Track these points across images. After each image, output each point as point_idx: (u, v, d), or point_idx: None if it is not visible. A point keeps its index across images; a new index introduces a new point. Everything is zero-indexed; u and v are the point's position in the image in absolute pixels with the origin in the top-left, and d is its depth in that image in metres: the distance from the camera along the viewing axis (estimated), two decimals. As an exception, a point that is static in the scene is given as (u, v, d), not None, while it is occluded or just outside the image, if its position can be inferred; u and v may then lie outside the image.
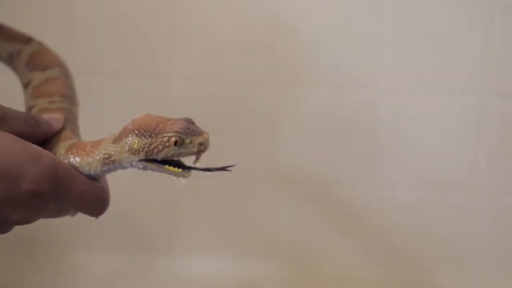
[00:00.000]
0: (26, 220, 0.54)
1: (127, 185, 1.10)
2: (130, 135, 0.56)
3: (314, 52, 1.11)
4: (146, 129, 0.56)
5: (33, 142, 0.57)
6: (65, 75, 0.71)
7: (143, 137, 0.56)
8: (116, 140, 0.57)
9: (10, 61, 0.74)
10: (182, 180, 0.58)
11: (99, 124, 1.08)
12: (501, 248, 1.13)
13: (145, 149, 0.56)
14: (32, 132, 0.58)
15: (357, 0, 1.09)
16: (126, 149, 0.56)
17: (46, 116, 0.62)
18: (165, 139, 0.55)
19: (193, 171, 0.58)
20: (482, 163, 1.11)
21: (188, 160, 0.58)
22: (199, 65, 1.12)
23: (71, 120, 0.65)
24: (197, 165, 0.58)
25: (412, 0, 1.08)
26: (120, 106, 1.13)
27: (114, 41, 1.12)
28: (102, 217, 0.60)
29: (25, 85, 0.71)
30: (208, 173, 0.58)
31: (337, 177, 1.14)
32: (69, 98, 0.69)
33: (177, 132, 0.55)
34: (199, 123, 1.08)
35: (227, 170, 0.58)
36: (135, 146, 0.56)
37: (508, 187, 1.12)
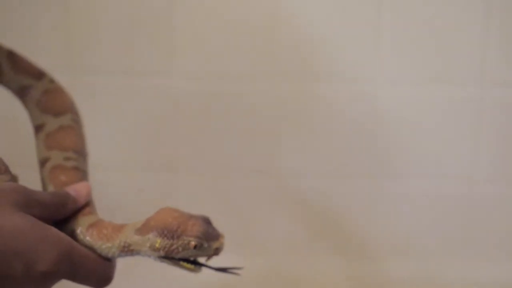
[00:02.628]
0: None
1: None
2: (152, 233, 0.60)
3: (315, 46, 1.11)
4: (169, 230, 0.59)
5: (56, 218, 0.61)
6: (77, 123, 0.73)
7: (165, 238, 0.59)
8: (139, 231, 0.61)
9: (20, 95, 0.75)
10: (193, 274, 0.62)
11: (99, 122, 1.11)
12: (503, 238, 1.16)
13: (166, 249, 0.59)
14: (56, 214, 0.61)
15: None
16: (148, 245, 0.60)
17: (74, 190, 0.64)
18: (185, 242, 0.59)
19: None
20: (482, 155, 1.12)
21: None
22: (200, 61, 1.12)
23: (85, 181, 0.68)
24: (208, 262, 0.62)
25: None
26: (120, 104, 1.13)
27: (113, 38, 1.11)
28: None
29: (36, 128, 0.73)
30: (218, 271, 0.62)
31: (337, 171, 1.15)
32: (82, 153, 0.71)
33: (197, 237, 0.59)
34: (202, 121, 1.08)
35: (235, 273, 0.62)
36: (157, 245, 0.60)
37: (508, 178, 1.13)
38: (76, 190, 0.64)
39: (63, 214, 0.62)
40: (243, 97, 1.13)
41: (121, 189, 1.15)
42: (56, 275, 0.57)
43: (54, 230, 0.58)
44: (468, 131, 1.12)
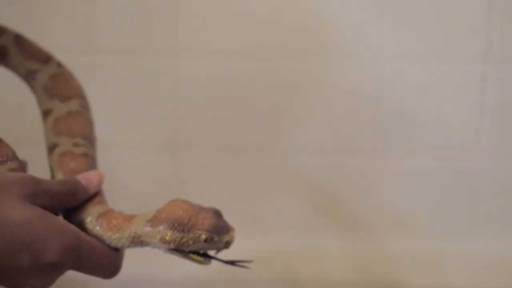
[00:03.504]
0: (42, 286, 0.58)
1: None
2: (163, 225, 0.59)
3: (321, 25, 1.11)
4: (180, 223, 0.59)
5: (66, 207, 0.61)
6: (85, 109, 0.72)
7: (176, 231, 0.59)
8: (149, 223, 0.60)
9: (28, 80, 0.74)
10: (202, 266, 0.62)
11: (106, 103, 1.10)
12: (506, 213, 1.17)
13: (176, 242, 0.59)
14: (65, 203, 0.61)
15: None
16: (158, 237, 0.59)
17: (85, 179, 0.63)
18: (196, 235, 0.59)
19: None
20: (486, 130, 1.13)
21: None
22: (207, 40, 1.12)
23: (94, 168, 0.68)
24: (218, 255, 0.62)
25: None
26: (126, 84, 1.13)
27: (118, 16, 1.10)
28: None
29: (44, 113, 0.72)
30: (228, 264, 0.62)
31: (340, 148, 1.16)
32: (90, 139, 0.70)
33: (207, 230, 0.59)
34: (209, 101, 1.08)
35: (244, 266, 0.61)
36: (167, 238, 0.59)
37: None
38: (87, 178, 0.63)
39: (73, 204, 0.62)
40: (249, 76, 1.13)
41: (124, 168, 1.16)
42: (63, 266, 0.57)
43: (62, 221, 0.58)
44: (472, 108, 1.13)
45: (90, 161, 0.68)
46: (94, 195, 0.64)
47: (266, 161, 1.17)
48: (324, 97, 1.14)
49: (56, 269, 0.56)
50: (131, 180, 1.16)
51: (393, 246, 1.17)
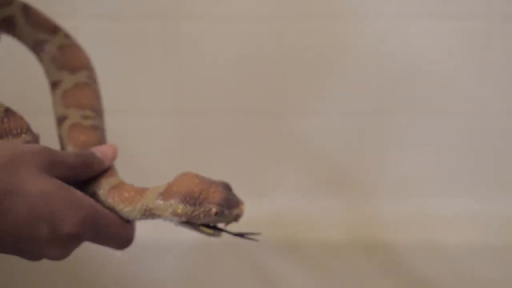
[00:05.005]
0: (60, 257, 0.59)
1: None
2: (175, 199, 0.61)
3: None
4: (191, 197, 0.60)
5: (80, 178, 0.62)
6: (93, 81, 0.73)
7: (187, 204, 0.60)
8: (161, 196, 0.61)
9: (36, 50, 0.74)
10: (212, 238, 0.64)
11: (109, 69, 1.08)
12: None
13: (187, 215, 0.61)
14: (80, 174, 0.62)
15: None
16: (170, 210, 0.61)
17: (100, 152, 0.64)
18: (207, 208, 0.60)
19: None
20: (489, 87, 1.15)
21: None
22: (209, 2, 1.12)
23: (103, 142, 0.69)
24: (227, 228, 0.63)
25: None
26: (128, 49, 1.13)
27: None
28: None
29: (52, 85, 0.73)
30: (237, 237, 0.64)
31: (340, 111, 1.18)
32: (98, 111, 0.71)
33: (218, 204, 0.60)
34: (214, 67, 1.01)
35: (253, 239, 0.63)
36: (179, 211, 0.61)
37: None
38: (102, 151, 0.64)
39: (87, 176, 0.63)
40: (254, 38, 1.14)
41: (131, 134, 1.17)
42: (80, 237, 0.58)
43: (78, 193, 0.59)
44: (475, 65, 1.14)
45: (100, 134, 0.69)
46: (107, 168, 0.65)
47: (267, 125, 1.18)
48: (331, 60, 1.15)
49: (74, 240, 0.58)
50: (138, 146, 1.16)
51: (388, 207, 1.19)
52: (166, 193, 0.61)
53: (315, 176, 1.21)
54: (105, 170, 0.65)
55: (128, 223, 0.63)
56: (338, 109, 1.18)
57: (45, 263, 0.62)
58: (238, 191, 0.64)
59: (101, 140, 0.69)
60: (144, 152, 1.18)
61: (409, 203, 1.19)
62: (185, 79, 1.16)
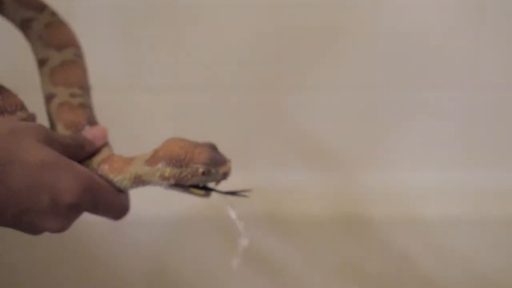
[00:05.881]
0: (61, 229, 0.59)
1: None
2: (161, 163, 0.63)
3: None
4: (177, 159, 0.62)
5: (74, 159, 0.62)
6: (80, 58, 0.75)
7: (174, 167, 0.62)
8: (148, 162, 0.63)
9: (23, 28, 0.75)
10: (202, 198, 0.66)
11: (110, 48, 1.13)
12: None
13: (175, 177, 0.63)
14: (74, 155, 0.63)
15: None
16: (158, 175, 0.63)
17: (90, 134, 0.66)
18: (193, 169, 0.62)
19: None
20: (483, 59, 1.16)
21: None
22: None
23: (92, 119, 0.71)
24: (217, 187, 0.66)
25: None
26: (123, 25, 1.15)
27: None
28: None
29: (40, 62, 0.74)
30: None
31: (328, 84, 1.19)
32: (86, 88, 0.73)
33: (204, 163, 0.62)
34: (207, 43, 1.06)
35: (243, 196, 0.66)
36: (166, 174, 0.63)
37: (509, 81, 1.18)
38: (93, 133, 0.67)
39: (81, 157, 0.65)
40: (252, 13, 1.16)
41: (122, 109, 1.18)
42: (80, 207, 0.59)
43: (77, 164, 0.60)
44: (469, 38, 1.15)
45: (88, 112, 0.71)
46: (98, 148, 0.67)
47: (253, 100, 1.20)
48: (335, 37, 1.16)
49: (74, 210, 0.59)
50: (129, 120, 1.18)
51: (372, 181, 1.21)
52: (152, 159, 0.63)
53: (298, 150, 1.22)
54: (96, 151, 0.67)
55: (122, 193, 0.65)
56: (322, 84, 1.19)
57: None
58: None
59: (89, 118, 0.70)
60: (135, 127, 1.19)
61: (393, 177, 1.20)
62: (179, 55, 1.17)
